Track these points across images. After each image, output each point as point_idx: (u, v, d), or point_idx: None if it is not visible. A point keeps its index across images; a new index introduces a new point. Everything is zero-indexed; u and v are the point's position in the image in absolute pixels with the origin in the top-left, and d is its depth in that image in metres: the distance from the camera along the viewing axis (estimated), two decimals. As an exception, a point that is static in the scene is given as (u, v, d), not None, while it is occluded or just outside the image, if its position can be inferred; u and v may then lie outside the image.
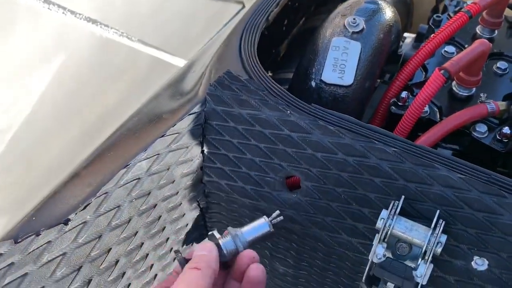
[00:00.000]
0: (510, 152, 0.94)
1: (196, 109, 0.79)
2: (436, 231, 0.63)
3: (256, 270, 0.60)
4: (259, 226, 0.64)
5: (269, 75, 1.21)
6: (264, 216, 0.64)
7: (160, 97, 0.84)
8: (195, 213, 0.85)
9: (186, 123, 0.77)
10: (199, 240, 0.89)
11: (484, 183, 0.67)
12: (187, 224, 0.84)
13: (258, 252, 0.89)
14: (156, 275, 0.79)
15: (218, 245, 0.61)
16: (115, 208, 0.68)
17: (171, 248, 0.81)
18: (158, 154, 0.74)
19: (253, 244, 0.64)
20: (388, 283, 0.66)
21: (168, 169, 0.75)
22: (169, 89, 0.85)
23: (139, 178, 0.71)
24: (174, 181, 0.76)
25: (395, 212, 0.65)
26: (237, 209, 0.83)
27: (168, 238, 0.80)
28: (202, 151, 0.80)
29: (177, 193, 0.78)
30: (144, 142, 0.75)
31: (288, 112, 0.76)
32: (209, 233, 0.63)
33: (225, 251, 0.61)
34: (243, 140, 0.78)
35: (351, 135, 0.73)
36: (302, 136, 0.74)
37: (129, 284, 0.73)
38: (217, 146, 0.79)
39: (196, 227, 0.87)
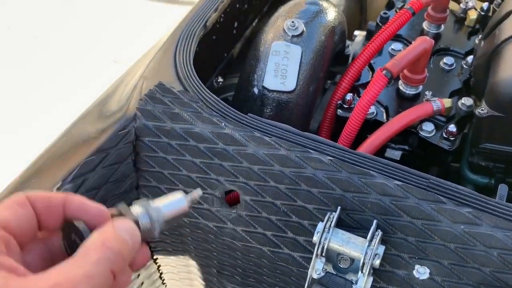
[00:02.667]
0: (459, 147, 0.92)
1: (126, 126, 0.75)
2: (373, 243, 0.60)
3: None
4: (176, 201, 0.50)
5: (220, 81, 1.19)
6: (181, 191, 0.52)
7: (89, 116, 0.80)
8: (134, 234, 0.81)
9: (115, 141, 0.73)
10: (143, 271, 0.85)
11: (422, 189, 0.65)
12: (126, 247, 0.80)
13: (205, 269, 0.86)
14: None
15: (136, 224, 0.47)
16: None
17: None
18: (85, 176, 0.70)
19: (167, 224, 0.50)
20: (329, 300, 0.63)
21: (97, 193, 0.71)
22: (99, 106, 0.81)
23: (64, 204, 0.67)
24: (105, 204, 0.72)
25: (330, 224, 0.62)
26: (177, 229, 0.79)
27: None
28: (135, 170, 0.76)
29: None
30: (70, 165, 0.71)
31: (223, 124, 0.73)
32: (119, 205, 0.50)
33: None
34: (178, 156, 0.74)
35: (287, 145, 0.70)
36: (237, 149, 0.71)
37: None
38: (150, 163, 0.75)
39: (137, 249, 0.83)
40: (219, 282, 0.85)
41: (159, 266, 0.90)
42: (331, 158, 0.68)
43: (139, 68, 0.87)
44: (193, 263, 0.86)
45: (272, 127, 0.73)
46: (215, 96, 0.77)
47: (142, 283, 0.87)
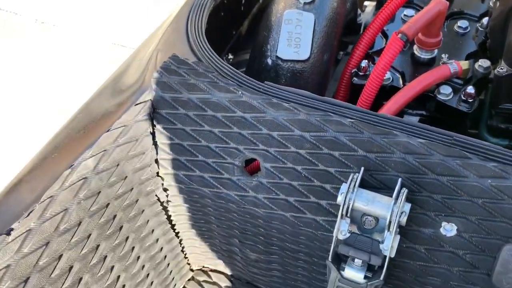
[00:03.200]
0: (476, 112, 0.91)
1: (142, 98, 0.74)
2: (399, 201, 0.59)
3: None
4: None
5: (230, 58, 1.18)
6: None
7: (105, 91, 0.80)
8: (156, 208, 0.81)
9: (132, 114, 0.73)
10: (163, 236, 0.85)
11: (447, 145, 0.64)
12: (148, 221, 0.80)
13: (226, 240, 0.86)
14: (119, 276, 0.75)
15: None
16: (61, 211, 0.64)
17: (133, 247, 0.77)
18: (105, 150, 0.69)
19: None
20: (356, 259, 0.63)
21: (117, 165, 0.71)
22: (114, 81, 0.81)
23: (85, 178, 0.67)
24: (126, 177, 0.72)
25: (354, 185, 0.62)
26: (199, 200, 0.79)
27: (127, 237, 0.76)
28: (155, 143, 0.76)
29: (131, 189, 0.74)
30: (90, 140, 0.70)
31: (240, 92, 0.72)
32: None
33: None
34: (196, 126, 0.74)
35: (306, 110, 0.69)
36: (256, 116, 0.71)
37: (89, 290, 0.69)
38: (169, 136, 0.75)
39: (159, 223, 0.83)
40: (241, 252, 0.86)
41: (181, 240, 0.90)
42: (352, 120, 0.67)
43: (152, 42, 0.86)
44: (215, 234, 0.86)
45: (290, 93, 0.72)
46: (230, 66, 0.76)
47: (165, 257, 0.87)
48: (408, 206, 0.61)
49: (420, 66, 0.97)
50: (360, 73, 0.96)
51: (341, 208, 0.62)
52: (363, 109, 0.70)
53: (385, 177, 0.65)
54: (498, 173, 0.61)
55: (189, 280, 0.98)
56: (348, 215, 0.63)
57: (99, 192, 0.68)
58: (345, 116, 0.68)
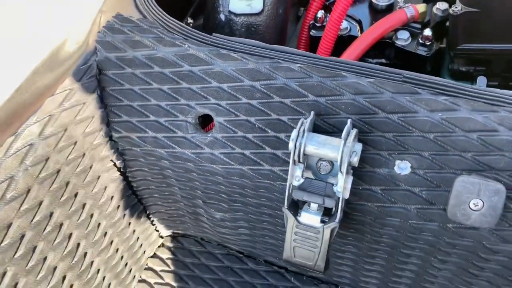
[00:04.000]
0: (435, 58, 0.90)
1: (87, 60, 0.71)
2: (348, 140, 0.58)
3: None
4: None
5: (190, 22, 1.15)
6: None
7: (50, 59, 0.76)
8: (113, 174, 0.79)
9: (77, 77, 0.70)
10: (124, 203, 0.84)
11: (396, 83, 0.63)
12: (106, 187, 0.78)
13: (190, 202, 0.85)
14: (78, 244, 0.74)
15: None
16: (7, 179, 0.62)
17: (92, 214, 0.76)
18: (50, 115, 0.67)
19: None
20: (312, 204, 0.62)
21: (65, 130, 0.68)
22: (58, 49, 0.77)
23: (31, 144, 0.64)
24: (76, 142, 0.70)
25: (304, 129, 0.60)
26: (156, 162, 0.77)
27: (84, 204, 0.74)
28: (104, 105, 0.74)
29: (84, 154, 0.72)
30: (34, 107, 0.68)
31: (186, 45, 0.70)
32: None
33: None
34: (144, 85, 0.71)
35: (255, 59, 0.67)
36: (204, 69, 0.69)
37: (45, 258, 0.68)
38: (118, 97, 0.73)
39: (118, 189, 0.82)
40: (207, 213, 0.85)
41: (145, 207, 0.89)
42: (301, 65, 0.66)
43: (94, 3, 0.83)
44: (178, 197, 0.84)
45: (238, 43, 0.70)
46: (176, 20, 0.74)
47: (129, 223, 0.86)
48: (359, 146, 0.60)
49: (378, 14, 0.95)
50: (317, 25, 0.94)
51: (291, 153, 0.61)
52: (312, 54, 0.68)
53: (337, 120, 0.64)
54: (449, 105, 0.60)
55: (159, 246, 0.97)
56: (301, 160, 0.61)
57: (48, 158, 0.66)
58: (294, 62, 0.67)
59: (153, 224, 0.94)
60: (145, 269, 0.94)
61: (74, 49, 0.74)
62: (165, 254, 0.95)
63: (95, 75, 0.72)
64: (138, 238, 0.89)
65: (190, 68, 0.69)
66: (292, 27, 1.13)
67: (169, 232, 0.99)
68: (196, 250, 0.95)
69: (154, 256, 0.96)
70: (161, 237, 0.98)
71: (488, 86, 0.91)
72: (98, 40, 0.72)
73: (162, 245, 0.97)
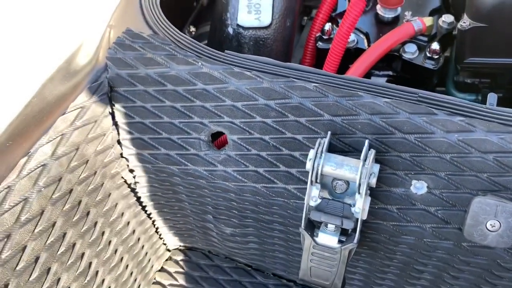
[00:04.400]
0: (443, 69, 0.91)
1: (98, 77, 0.71)
2: (367, 162, 0.59)
3: None
4: None
5: (192, 30, 1.14)
6: None
7: (58, 74, 0.75)
8: (123, 190, 0.79)
9: (88, 95, 0.69)
10: (134, 218, 0.83)
11: (412, 103, 0.63)
12: (116, 204, 0.78)
13: (200, 217, 0.84)
14: (90, 263, 0.73)
15: None
16: (21, 201, 0.61)
17: (103, 232, 0.75)
18: (62, 134, 0.66)
19: None
20: (329, 225, 0.62)
21: (77, 149, 0.67)
22: (67, 63, 0.76)
23: (44, 165, 0.64)
24: (87, 161, 0.69)
25: (322, 150, 0.60)
26: (167, 178, 0.77)
27: (96, 222, 0.73)
28: (115, 123, 0.73)
29: (95, 173, 0.71)
30: (46, 125, 0.67)
31: (200, 63, 0.69)
32: None
33: None
34: (157, 103, 0.71)
35: (269, 78, 0.67)
36: (218, 88, 0.68)
37: (59, 279, 0.67)
38: (130, 114, 0.72)
39: (129, 206, 0.81)
40: (216, 228, 0.84)
41: (154, 221, 0.88)
42: (316, 84, 0.66)
43: (103, 18, 0.82)
44: (188, 212, 0.84)
45: (251, 61, 0.70)
46: (187, 36, 0.73)
47: (139, 239, 0.85)
48: (376, 167, 0.60)
49: (384, 26, 0.95)
50: (324, 37, 0.94)
51: (310, 174, 0.61)
52: (327, 72, 0.68)
53: (353, 139, 0.64)
54: (465, 127, 0.60)
55: (166, 260, 0.97)
56: (318, 181, 0.61)
57: (60, 178, 0.65)
58: (309, 81, 0.67)
59: (161, 238, 0.93)
60: (153, 283, 0.93)
61: (85, 63, 0.74)
62: (173, 268, 0.95)
63: (107, 93, 0.71)
64: (146, 253, 0.89)
65: (204, 86, 0.68)
66: (296, 37, 1.13)
67: (176, 245, 0.98)
68: (204, 264, 0.95)
69: (162, 270, 0.96)
70: (169, 250, 0.97)
71: (492, 98, 0.92)
72: (108, 57, 0.71)
73: (170, 258, 0.97)
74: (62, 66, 0.77)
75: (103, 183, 0.73)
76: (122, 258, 0.81)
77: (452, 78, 0.94)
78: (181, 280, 0.93)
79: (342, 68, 0.90)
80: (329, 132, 0.63)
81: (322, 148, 0.60)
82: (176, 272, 0.94)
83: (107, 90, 0.71)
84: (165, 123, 0.71)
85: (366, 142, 0.61)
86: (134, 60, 0.71)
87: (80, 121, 0.68)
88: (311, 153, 0.61)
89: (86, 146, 0.69)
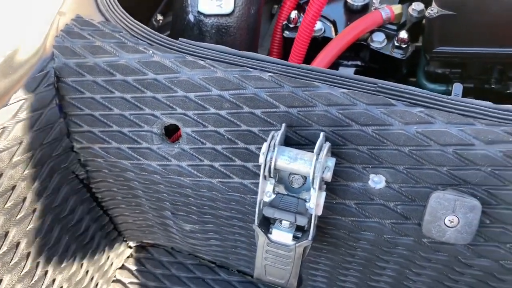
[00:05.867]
0: (411, 59, 0.88)
1: (43, 67, 0.67)
2: (321, 156, 0.56)
3: None
4: None
5: (160, 19, 1.10)
6: None
7: (4, 62, 0.71)
8: (75, 186, 0.75)
9: (33, 86, 0.65)
10: (88, 215, 0.80)
11: (370, 93, 0.60)
12: (67, 200, 0.74)
13: (158, 213, 0.81)
14: (38, 263, 0.70)
15: None
16: (-46, 199, 0.57)
17: (52, 229, 0.71)
18: (3, 127, 0.62)
19: None
20: (283, 221, 0.60)
21: (20, 143, 0.64)
22: (10, 57, 0.72)
23: (-19, 160, 0.60)
24: (33, 155, 0.66)
25: (275, 143, 0.57)
26: (121, 174, 0.73)
27: (44, 220, 0.70)
28: (64, 115, 0.69)
29: (42, 167, 0.67)
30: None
31: (151, 52, 0.66)
32: None
33: None
34: (106, 93, 0.67)
35: (223, 67, 0.64)
36: (170, 77, 0.65)
37: (0, 281, 0.63)
38: (78, 106, 0.68)
39: (81, 201, 0.77)
40: (176, 224, 0.81)
41: (111, 218, 0.85)
42: (272, 74, 0.62)
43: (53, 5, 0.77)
44: (146, 208, 0.81)
45: (206, 49, 0.67)
46: (140, 24, 0.69)
47: (94, 236, 0.82)
48: (332, 161, 0.57)
49: (353, 14, 0.92)
50: (291, 26, 0.90)
51: (262, 168, 0.58)
52: (284, 61, 0.65)
53: (309, 132, 0.61)
54: (424, 118, 0.58)
55: (128, 257, 0.94)
56: (272, 175, 0.58)
57: (1, 174, 0.62)
58: (265, 71, 0.63)
59: (121, 235, 0.90)
60: (113, 281, 0.90)
61: (31, 54, 0.69)
62: (134, 265, 0.92)
63: (53, 83, 0.67)
64: (104, 250, 0.85)
65: (155, 76, 0.65)
66: (266, 25, 1.09)
67: (138, 242, 0.95)
68: (166, 261, 0.92)
69: (123, 267, 0.92)
70: (130, 247, 0.94)
71: (464, 88, 0.90)
72: (55, 45, 0.67)
73: (131, 255, 0.94)
74: (6, 59, 0.73)
75: (51, 178, 0.70)
76: (75, 257, 0.77)
77: (422, 68, 0.91)
78: (142, 278, 0.89)
79: (310, 58, 0.87)
80: (283, 125, 0.60)
81: (275, 141, 0.57)
82: (137, 269, 0.91)
83: (53, 81, 0.67)
84: (115, 115, 0.67)
85: (321, 134, 0.58)
86: (82, 48, 0.67)
87: (24, 114, 0.64)
88: (264, 147, 0.58)
89: (31, 140, 0.65)
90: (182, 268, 0.90)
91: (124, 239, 0.92)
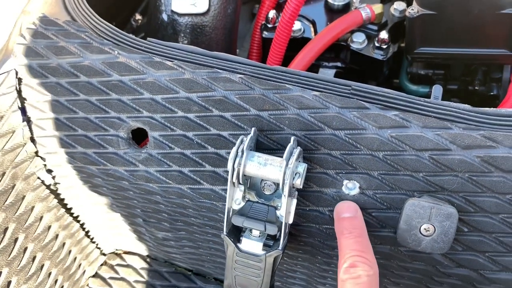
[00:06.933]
0: (394, 60, 0.86)
1: (4, 69, 0.64)
2: (290, 161, 0.53)
3: None
4: None
5: (139, 19, 1.07)
6: None
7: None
8: (41, 193, 0.72)
9: (-8, 87, 0.62)
10: (57, 222, 0.76)
11: (344, 96, 0.58)
12: (33, 208, 0.71)
13: (130, 220, 0.78)
14: (0, 273, 0.66)
15: None
16: None
17: (16, 239, 0.68)
18: (-41, 132, 0.59)
19: None
20: (253, 230, 0.57)
21: (-22, 147, 0.61)
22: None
23: None
24: (-8, 160, 0.63)
25: (243, 148, 0.54)
26: (88, 179, 0.70)
27: (6, 228, 0.67)
28: (27, 119, 0.66)
29: (3, 174, 0.64)
30: None
31: (116, 52, 0.63)
32: None
33: None
34: (71, 96, 0.64)
35: (192, 68, 0.61)
36: (135, 79, 0.62)
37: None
38: (42, 109, 0.65)
39: (48, 209, 0.74)
40: (148, 232, 0.78)
41: (82, 224, 0.82)
42: (242, 76, 0.60)
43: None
44: (117, 215, 0.78)
45: (175, 49, 0.64)
46: (107, 23, 0.67)
47: (64, 244, 0.79)
48: (302, 166, 0.55)
49: (333, 14, 0.90)
50: (269, 26, 0.88)
51: (230, 175, 0.55)
52: (256, 62, 0.62)
53: (281, 136, 0.58)
54: (399, 122, 0.55)
55: (102, 265, 0.91)
56: (241, 181, 0.56)
57: (-43, 181, 0.59)
58: (235, 72, 0.61)
59: (93, 242, 0.87)
60: (86, 290, 0.87)
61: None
62: (108, 273, 0.89)
63: (15, 85, 0.64)
64: (75, 258, 0.82)
65: (120, 77, 0.62)
66: (247, 25, 1.07)
67: (112, 249, 0.92)
68: (141, 268, 0.89)
69: (96, 275, 0.89)
70: (104, 254, 0.91)
71: (447, 90, 0.88)
72: (18, 46, 0.64)
73: (105, 263, 0.90)
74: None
75: (14, 185, 0.67)
76: (42, 266, 0.74)
77: (405, 70, 0.89)
78: (116, 286, 0.86)
79: (290, 58, 0.85)
80: (253, 129, 0.57)
81: (244, 146, 0.54)
82: (111, 277, 0.88)
83: (15, 83, 0.64)
84: (80, 118, 0.64)
85: (292, 139, 0.55)
86: (45, 49, 0.64)
87: (-18, 117, 0.61)
88: (232, 152, 0.55)
89: (-10, 144, 0.62)
90: (157, 276, 0.87)
91: (98, 246, 0.89)
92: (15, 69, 0.64)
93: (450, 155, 0.53)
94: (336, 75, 0.88)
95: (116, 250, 0.91)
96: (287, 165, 0.53)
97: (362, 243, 0.52)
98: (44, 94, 0.64)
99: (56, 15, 0.68)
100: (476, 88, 0.86)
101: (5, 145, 0.64)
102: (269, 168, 0.54)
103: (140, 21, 1.07)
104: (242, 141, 0.55)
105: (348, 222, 0.54)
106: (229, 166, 0.55)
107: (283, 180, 0.53)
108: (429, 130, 0.54)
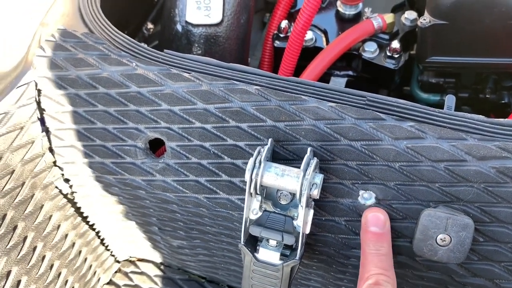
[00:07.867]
0: (405, 68, 0.86)
1: (24, 80, 0.65)
2: (308, 172, 0.54)
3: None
4: None
5: (150, 28, 1.08)
6: None
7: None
8: (59, 201, 0.73)
9: (13, 99, 0.64)
10: (74, 230, 0.77)
11: (360, 107, 0.58)
12: (50, 216, 0.72)
13: (145, 228, 0.79)
14: (19, 281, 0.67)
15: None
16: None
17: (35, 247, 0.69)
18: (-19, 143, 0.60)
19: None
20: (270, 240, 0.58)
21: (0, 158, 0.62)
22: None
23: (-42, 177, 0.58)
24: (13, 171, 0.64)
25: (261, 159, 0.55)
26: (106, 189, 0.71)
27: (26, 237, 0.68)
28: (46, 129, 0.67)
29: (23, 184, 0.66)
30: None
31: (134, 64, 0.64)
32: None
33: None
34: (89, 107, 0.65)
35: (209, 80, 0.62)
36: (153, 91, 0.63)
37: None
38: (60, 120, 0.66)
39: (66, 217, 0.75)
40: (163, 240, 0.79)
41: (98, 232, 0.83)
42: (258, 87, 0.61)
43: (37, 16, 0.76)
44: (133, 223, 0.79)
45: (191, 61, 0.65)
46: (124, 35, 0.68)
47: (80, 252, 0.80)
48: (319, 177, 0.55)
49: (345, 23, 0.91)
50: (281, 35, 0.89)
51: (247, 185, 0.56)
52: (271, 74, 0.63)
53: (297, 147, 0.59)
54: (414, 133, 0.56)
55: (116, 272, 0.92)
56: (258, 192, 0.57)
57: (-21, 191, 0.60)
58: (252, 83, 0.62)
59: (108, 249, 0.88)
60: (101, 297, 0.88)
61: (11, 67, 0.68)
62: (122, 280, 0.90)
63: (34, 96, 0.65)
64: (91, 266, 0.83)
65: (138, 89, 0.63)
66: (258, 34, 1.08)
67: (126, 257, 0.93)
68: (155, 275, 0.89)
69: (110, 282, 0.90)
70: (118, 261, 0.92)
71: (458, 98, 0.88)
72: (37, 58, 0.66)
73: (119, 270, 0.91)
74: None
75: (33, 194, 0.68)
76: (60, 274, 0.75)
77: (416, 78, 0.90)
78: (130, 294, 0.87)
79: (302, 68, 0.85)
80: (270, 139, 0.58)
81: (262, 157, 0.55)
82: (125, 285, 0.89)
83: (35, 94, 0.65)
84: (98, 129, 0.66)
85: (309, 150, 0.56)
86: (64, 61, 0.65)
87: (3, 128, 0.62)
88: (250, 163, 0.56)
89: (11, 155, 0.63)
90: (171, 283, 0.88)
91: (112, 253, 0.89)
92: (34, 80, 0.65)
93: (465, 166, 0.54)
94: (347, 84, 0.88)
95: (130, 257, 0.92)
96: (304, 176, 0.54)
97: (387, 261, 0.53)
98: (63, 105, 0.66)
99: (73, 27, 0.69)
100: (487, 96, 0.86)
101: (25, 155, 0.65)
102: (286, 179, 0.55)
103: (152, 30, 1.09)
104: (259, 152, 0.56)
105: (376, 237, 0.54)
106: (247, 177, 0.56)
107: (301, 190, 0.54)
108: (444, 141, 0.55)
